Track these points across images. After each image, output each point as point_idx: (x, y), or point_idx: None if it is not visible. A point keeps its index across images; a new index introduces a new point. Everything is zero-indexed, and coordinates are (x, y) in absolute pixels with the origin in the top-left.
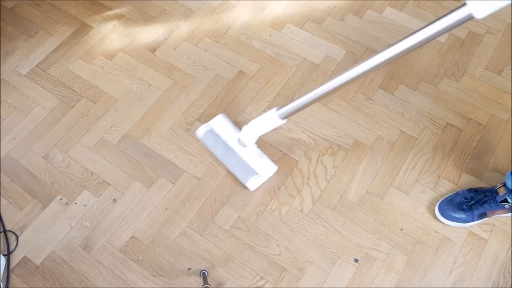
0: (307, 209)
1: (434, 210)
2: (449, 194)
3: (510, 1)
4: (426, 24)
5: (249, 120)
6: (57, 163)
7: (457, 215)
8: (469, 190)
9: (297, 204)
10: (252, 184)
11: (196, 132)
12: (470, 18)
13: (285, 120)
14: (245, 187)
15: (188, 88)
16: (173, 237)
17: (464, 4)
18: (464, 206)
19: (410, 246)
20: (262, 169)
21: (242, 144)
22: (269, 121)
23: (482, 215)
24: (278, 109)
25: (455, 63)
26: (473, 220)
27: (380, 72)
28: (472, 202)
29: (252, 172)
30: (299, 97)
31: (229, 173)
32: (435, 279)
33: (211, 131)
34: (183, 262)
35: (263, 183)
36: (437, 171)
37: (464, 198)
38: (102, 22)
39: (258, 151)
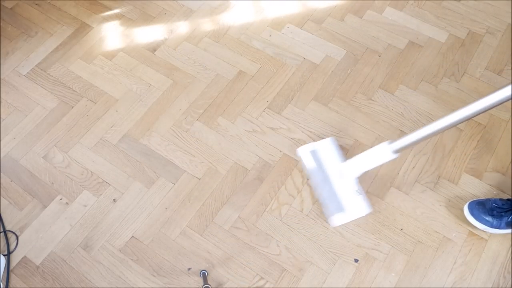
0: (307, 209)
1: (462, 208)
2: (480, 198)
3: None
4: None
5: (249, 120)
6: (57, 163)
7: (487, 218)
8: (501, 199)
9: (297, 204)
10: (336, 220)
11: (298, 150)
12: None
13: (398, 155)
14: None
15: (188, 88)
16: (173, 237)
17: None
18: (495, 212)
19: (410, 246)
20: (353, 207)
21: (342, 176)
22: (379, 155)
23: (510, 224)
24: (390, 143)
25: (455, 63)
26: (500, 227)
27: (380, 72)
28: (503, 209)
29: (340, 208)
30: (414, 131)
31: (229, 173)
32: (435, 279)
33: (315, 153)
34: (183, 262)
35: (349, 222)
36: (437, 171)
37: (495, 204)
38: (102, 22)
39: (357, 187)
